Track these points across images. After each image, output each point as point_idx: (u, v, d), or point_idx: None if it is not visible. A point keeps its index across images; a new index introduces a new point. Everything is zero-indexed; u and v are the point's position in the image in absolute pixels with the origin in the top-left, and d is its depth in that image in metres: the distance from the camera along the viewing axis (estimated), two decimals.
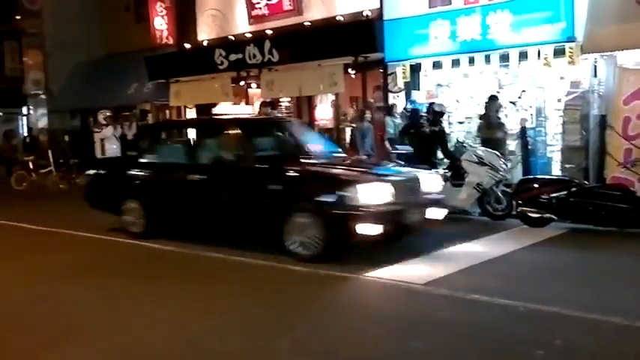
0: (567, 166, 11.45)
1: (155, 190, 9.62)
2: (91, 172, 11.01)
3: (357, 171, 8.39)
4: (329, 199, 7.45)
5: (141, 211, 9.64)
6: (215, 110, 15.86)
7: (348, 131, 17.04)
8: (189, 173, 9.08)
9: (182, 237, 9.38)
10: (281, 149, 9.63)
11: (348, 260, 7.51)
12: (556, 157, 12.22)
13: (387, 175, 8.16)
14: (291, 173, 8.15)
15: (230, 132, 9.25)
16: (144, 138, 10.94)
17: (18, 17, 24.65)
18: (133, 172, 9.93)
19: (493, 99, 12.06)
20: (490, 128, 11.81)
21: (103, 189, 10.51)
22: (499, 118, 12.01)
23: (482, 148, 10.98)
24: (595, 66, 11.44)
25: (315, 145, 9.85)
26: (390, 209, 7.44)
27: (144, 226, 9.63)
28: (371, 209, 7.31)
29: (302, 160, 8.63)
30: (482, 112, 12.18)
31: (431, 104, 12.07)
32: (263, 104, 15.03)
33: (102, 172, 10.87)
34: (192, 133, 10.15)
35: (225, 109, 15.88)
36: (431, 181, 8.47)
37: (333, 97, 16.88)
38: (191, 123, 11.64)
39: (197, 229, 9.52)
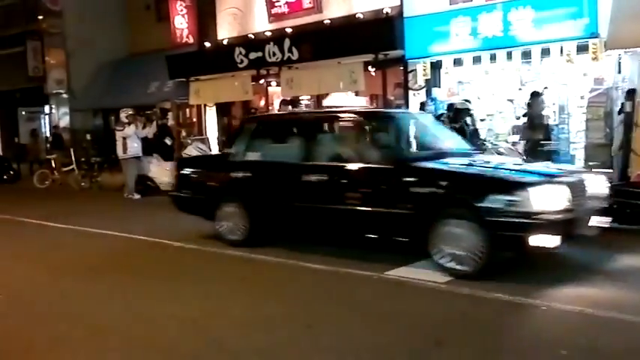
0: (591, 163, 11.31)
1: (262, 193, 8.47)
2: (182, 172, 9.91)
3: (524, 171, 7.35)
4: (494, 204, 6.33)
5: (243, 216, 8.55)
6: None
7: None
8: (305, 173, 7.92)
9: (291, 245, 8.46)
10: (416, 145, 8.39)
11: (365, 259, 7.45)
12: (579, 155, 12.08)
13: (557, 176, 6.97)
14: (441, 173, 7.08)
15: (356, 126, 8.17)
16: (244, 134, 9.38)
17: (40, 17, 24.88)
18: (233, 173, 8.80)
19: (536, 95, 11.36)
20: (534, 129, 11.08)
21: (196, 191, 9.38)
22: (543, 117, 11.34)
23: (505, 146, 10.87)
24: (619, 62, 11.29)
25: (450, 140, 8.84)
26: (567, 217, 6.34)
27: (246, 233, 8.56)
28: (548, 217, 6.19)
29: (449, 158, 7.62)
30: (525, 110, 11.63)
31: (466, 101, 11.94)
32: (283, 102, 15.01)
33: (194, 172, 9.73)
34: (305, 128, 8.75)
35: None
36: (596, 184, 7.27)
37: (353, 95, 16.82)
38: (304, 116, 9.83)
39: (312, 235, 8.57)
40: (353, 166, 7.64)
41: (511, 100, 13.18)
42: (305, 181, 7.89)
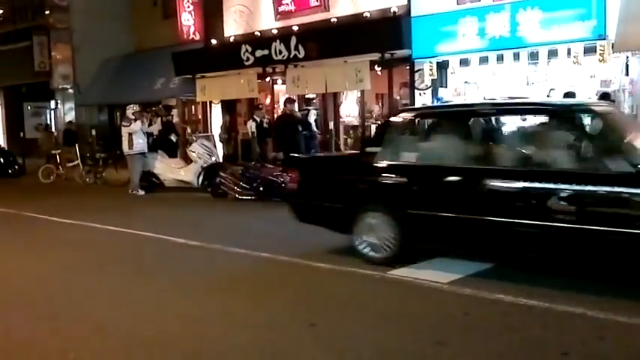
0: None
1: (421, 202, 6.90)
2: (305, 175, 8.31)
3: None
4: None
5: (392, 228, 7.05)
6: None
7: (373, 128, 16.99)
8: (489, 180, 6.38)
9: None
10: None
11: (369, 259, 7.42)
12: None
13: None
14: None
15: (565, 122, 6.56)
16: (396, 130, 7.67)
17: (47, 12, 24.96)
18: (381, 177, 7.27)
19: (571, 97, 10.89)
20: None
21: (326, 199, 7.81)
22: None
23: None
24: (627, 64, 11.26)
25: None
26: None
27: (396, 249, 7.07)
28: None
29: None
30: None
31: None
32: (288, 100, 14.97)
33: (323, 175, 8.14)
34: (487, 123, 7.09)
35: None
36: None
37: (359, 94, 16.82)
38: (484, 109, 7.51)
39: (491, 255, 7.02)
40: (564, 172, 6.08)
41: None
42: (489, 189, 6.39)
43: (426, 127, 7.88)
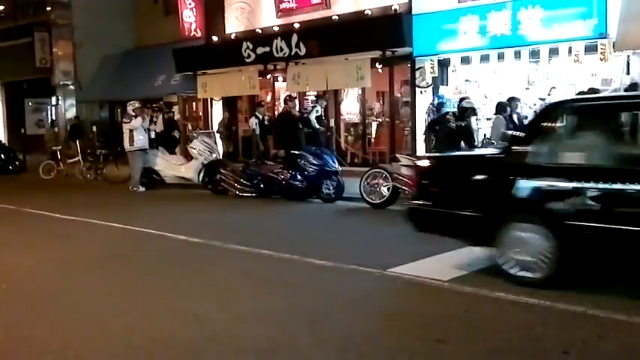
0: None
1: (588, 212, 5.69)
2: (428, 175, 7.22)
3: None
4: None
5: (549, 243, 5.88)
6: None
7: (374, 126, 17.01)
8: None
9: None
10: None
11: (368, 255, 7.43)
12: None
13: None
14: None
15: None
16: (552, 125, 6.51)
17: (48, 8, 24.97)
18: (535, 181, 6.05)
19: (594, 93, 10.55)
20: None
21: (457, 205, 6.65)
22: None
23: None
24: (628, 63, 11.26)
25: None
26: None
27: (552, 268, 5.91)
28: None
29: None
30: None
31: (462, 99, 11.93)
32: (288, 98, 14.95)
33: (454, 177, 6.97)
34: None
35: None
36: None
37: (360, 92, 16.82)
38: None
39: None
40: None
41: (518, 100, 13.14)
42: None
43: (598, 121, 6.37)
